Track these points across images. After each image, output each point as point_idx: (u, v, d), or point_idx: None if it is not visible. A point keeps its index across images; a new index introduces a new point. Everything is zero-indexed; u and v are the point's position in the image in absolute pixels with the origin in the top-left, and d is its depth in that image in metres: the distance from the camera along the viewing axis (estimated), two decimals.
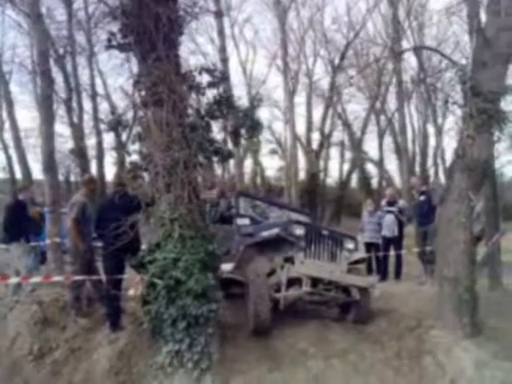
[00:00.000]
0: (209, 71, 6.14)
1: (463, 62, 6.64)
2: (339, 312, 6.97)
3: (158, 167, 5.57)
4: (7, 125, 25.60)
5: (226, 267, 6.79)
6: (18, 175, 26.45)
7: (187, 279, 5.32)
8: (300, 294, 6.28)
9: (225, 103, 6.27)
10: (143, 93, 5.77)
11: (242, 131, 6.33)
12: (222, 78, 6.21)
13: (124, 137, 6.08)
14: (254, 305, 6.05)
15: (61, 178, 31.66)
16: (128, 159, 6.08)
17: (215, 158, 6.44)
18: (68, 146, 26.42)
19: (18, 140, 23.84)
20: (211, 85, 6.17)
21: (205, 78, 6.23)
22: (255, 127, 6.38)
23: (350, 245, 6.94)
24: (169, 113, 5.53)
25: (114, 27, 5.88)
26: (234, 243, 7.25)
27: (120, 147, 6.15)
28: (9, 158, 27.44)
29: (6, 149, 27.28)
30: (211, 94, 6.32)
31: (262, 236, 6.86)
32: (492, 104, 5.44)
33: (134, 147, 6.16)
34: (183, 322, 5.30)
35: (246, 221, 7.58)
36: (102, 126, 23.50)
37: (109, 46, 5.89)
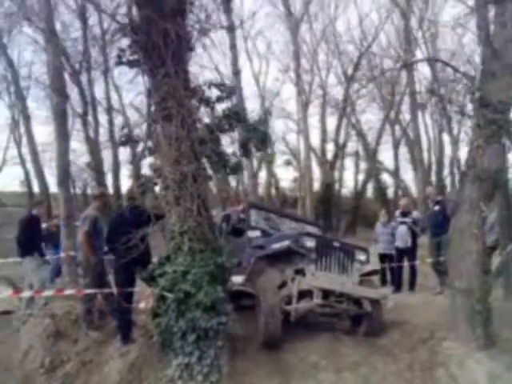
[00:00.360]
0: (217, 86, 6.20)
1: (473, 73, 6.58)
2: (351, 324, 6.91)
3: (167, 181, 5.63)
4: (24, 139, 26.11)
5: (237, 279, 6.79)
6: (36, 189, 26.89)
7: (196, 292, 5.34)
8: (311, 306, 6.25)
9: (234, 117, 6.32)
10: (153, 108, 5.85)
11: (251, 144, 6.35)
12: (230, 93, 6.26)
13: (136, 151, 6.15)
14: (264, 318, 6.04)
15: (78, 191, 32.21)
16: (140, 173, 6.13)
17: (224, 171, 6.46)
18: (85, 159, 26.87)
19: (35, 154, 24.27)
20: (220, 99, 6.23)
21: (214, 93, 6.29)
22: (264, 140, 6.42)
23: (361, 256, 6.90)
24: (178, 127, 5.59)
25: (125, 44, 5.99)
26: (245, 255, 7.25)
27: (132, 161, 6.26)
28: (26, 172, 27.95)
29: (23, 163, 27.80)
30: (220, 108, 6.37)
31: (273, 248, 6.85)
32: (501, 114, 5.41)
33: (145, 161, 6.23)
34: (193, 334, 5.32)
35: (257, 233, 7.59)
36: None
37: (119, 63, 5.99)
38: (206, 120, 6.29)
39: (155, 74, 5.70)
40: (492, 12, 5.89)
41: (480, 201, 5.75)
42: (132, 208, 6.35)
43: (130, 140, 6.24)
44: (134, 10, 5.73)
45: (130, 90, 27.19)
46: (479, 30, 5.88)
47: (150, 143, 6.13)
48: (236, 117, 6.36)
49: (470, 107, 6.36)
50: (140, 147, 6.11)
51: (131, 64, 5.98)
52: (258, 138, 6.31)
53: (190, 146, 5.67)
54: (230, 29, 17.02)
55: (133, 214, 6.28)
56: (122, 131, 6.67)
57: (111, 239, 6.33)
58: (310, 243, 6.52)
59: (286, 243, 6.68)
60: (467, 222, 5.79)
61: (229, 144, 6.48)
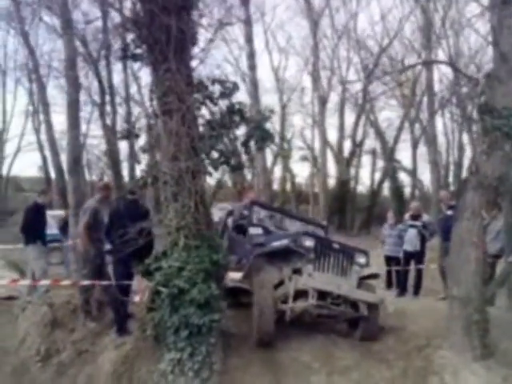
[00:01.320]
0: (220, 82, 6.16)
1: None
2: (347, 327, 6.85)
3: (165, 176, 5.63)
4: (43, 127, 26.47)
5: (236, 276, 6.80)
6: (53, 175, 27.28)
7: (190, 288, 5.36)
8: (306, 306, 6.21)
9: (237, 114, 6.28)
10: (154, 102, 5.85)
11: (252, 142, 6.31)
12: (233, 89, 6.22)
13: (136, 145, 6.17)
14: (258, 315, 6.03)
15: (95, 178, 32.55)
16: (139, 168, 6.15)
17: (227, 168, 6.44)
18: (102, 147, 27.15)
19: (52, 141, 24.57)
20: (223, 95, 6.19)
21: (217, 88, 6.26)
22: (265, 138, 6.36)
23: (361, 259, 6.81)
24: (178, 123, 5.58)
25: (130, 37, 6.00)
26: (245, 252, 7.24)
27: (132, 155, 6.26)
28: (44, 159, 28.37)
29: (41, 149, 28.21)
30: (224, 104, 6.33)
31: (272, 246, 6.83)
32: (506, 121, 5.27)
33: (145, 156, 6.24)
34: (185, 330, 5.34)
35: (259, 230, 7.57)
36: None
37: (123, 56, 6.00)
38: (208, 116, 6.23)
39: (157, 68, 5.69)
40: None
41: (481, 208, 5.64)
42: (130, 202, 6.39)
43: (130, 133, 6.24)
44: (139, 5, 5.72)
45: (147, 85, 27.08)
46: (491, 32, 5.72)
47: (149, 138, 6.11)
48: (240, 114, 6.31)
49: None
50: (140, 142, 6.09)
51: (135, 58, 5.99)
52: (259, 135, 6.26)
53: (189, 142, 5.65)
54: (247, 22, 16.96)
55: (130, 207, 6.31)
56: (124, 125, 6.68)
57: (109, 232, 6.39)
58: (309, 243, 6.46)
59: (284, 242, 6.65)
60: (468, 229, 5.68)
61: (231, 141, 6.40)
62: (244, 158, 6.45)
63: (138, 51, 5.90)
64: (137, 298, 6.61)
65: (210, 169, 6.07)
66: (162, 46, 5.55)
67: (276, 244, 6.81)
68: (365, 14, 40.42)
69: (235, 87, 6.29)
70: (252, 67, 18.17)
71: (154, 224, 6.06)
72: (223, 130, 6.26)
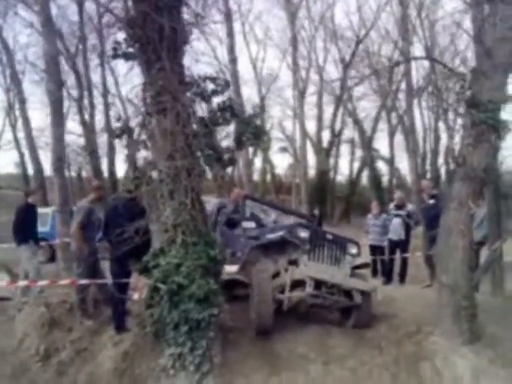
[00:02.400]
0: (212, 79, 6.23)
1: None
2: (340, 316, 7.04)
3: (161, 174, 5.69)
4: (19, 123, 26.02)
5: (231, 269, 6.91)
6: (30, 171, 26.90)
7: (189, 284, 5.43)
8: (304, 295, 6.36)
9: (229, 110, 6.35)
10: (148, 101, 5.88)
11: (245, 138, 6.40)
12: (225, 86, 6.29)
13: (131, 144, 6.15)
14: (257, 305, 6.15)
15: (73, 174, 32.20)
16: (135, 166, 6.18)
17: (219, 165, 6.52)
18: (81, 142, 26.84)
19: (30, 138, 24.20)
20: (215, 92, 6.26)
21: (209, 86, 6.31)
22: (258, 134, 6.46)
23: (353, 250, 7.00)
24: (172, 121, 5.64)
25: (121, 36, 6.00)
26: (240, 245, 7.36)
27: (127, 154, 6.26)
28: (21, 155, 27.92)
29: (18, 145, 27.76)
30: (215, 101, 6.40)
31: (268, 238, 6.96)
32: (492, 114, 5.47)
33: (140, 154, 6.27)
34: (185, 325, 5.42)
35: (252, 224, 7.70)
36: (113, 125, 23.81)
37: (114, 55, 6.01)
38: (201, 114, 6.30)
39: (150, 67, 5.72)
40: (486, 10, 5.93)
41: (468, 198, 5.86)
42: (127, 200, 6.43)
43: (124, 133, 6.26)
44: (130, 4, 5.74)
45: (126, 81, 26.83)
46: (473, 28, 5.91)
47: (144, 136, 6.14)
48: (231, 110, 6.38)
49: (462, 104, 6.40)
50: (134, 140, 6.10)
51: (127, 57, 5.98)
52: (251, 131, 6.35)
53: (184, 140, 5.72)
54: (228, 15, 16.93)
55: (127, 206, 6.36)
56: (116, 123, 6.63)
57: (107, 231, 6.43)
58: (304, 234, 6.61)
59: (280, 234, 6.79)
60: (455, 218, 5.89)
61: (223, 138, 6.49)
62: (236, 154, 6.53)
63: (130, 50, 5.92)
64: (136, 296, 6.67)
65: (205, 166, 6.14)
66: (154, 45, 5.58)
67: (271, 236, 6.94)
68: (341, 5, 40.47)
69: (227, 84, 6.36)
70: (233, 61, 18.19)
71: (150, 222, 6.11)
72: (216, 127, 6.34)
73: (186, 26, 5.87)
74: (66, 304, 6.91)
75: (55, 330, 6.47)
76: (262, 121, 6.73)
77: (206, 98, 6.35)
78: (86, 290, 6.89)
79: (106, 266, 6.89)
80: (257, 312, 6.16)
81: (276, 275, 6.59)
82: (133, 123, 6.39)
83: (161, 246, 5.76)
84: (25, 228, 7.93)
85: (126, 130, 6.11)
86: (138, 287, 6.59)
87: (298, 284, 6.38)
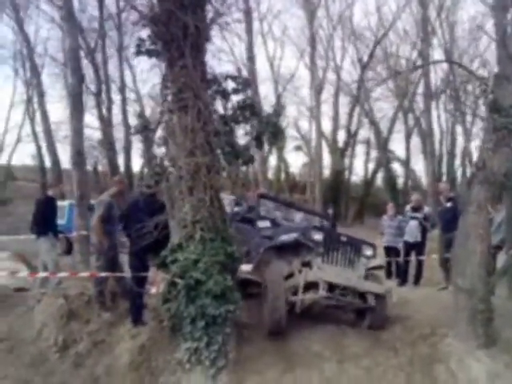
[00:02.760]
0: (233, 78, 6.28)
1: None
2: (355, 317, 7.06)
3: (181, 171, 5.76)
4: (38, 115, 26.31)
5: (246, 268, 6.95)
6: (47, 163, 27.20)
7: (207, 280, 5.50)
8: (317, 297, 6.39)
9: (248, 109, 6.40)
10: (169, 98, 5.95)
11: (264, 137, 6.45)
12: (245, 85, 6.34)
13: (151, 140, 6.23)
14: (270, 307, 6.19)
15: (89, 168, 32.48)
16: (154, 162, 6.26)
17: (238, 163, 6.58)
18: (97, 135, 27.08)
19: (48, 130, 24.47)
20: (235, 91, 6.31)
21: (230, 85, 6.37)
22: (277, 134, 6.51)
23: (368, 251, 7.01)
24: (193, 119, 5.70)
25: (144, 33, 6.08)
26: (254, 245, 7.39)
27: (147, 150, 6.34)
28: (39, 148, 28.22)
29: (36, 138, 28.06)
30: (235, 99, 6.45)
31: (282, 240, 6.98)
32: None
33: (159, 151, 6.35)
34: (202, 321, 5.49)
35: (267, 223, 7.72)
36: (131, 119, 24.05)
37: (138, 52, 6.08)
38: (221, 111, 6.36)
39: (173, 65, 5.79)
40: (510, 14, 5.90)
41: (487, 203, 5.84)
42: (147, 196, 6.52)
43: (145, 128, 6.34)
44: (154, 1, 5.80)
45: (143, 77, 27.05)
46: (496, 32, 5.88)
47: (164, 133, 6.21)
48: (251, 109, 6.43)
49: (483, 108, 6.38)
50: (155, 136, 6.20)
51: (150, 54, 6.05)
52: (271, 131, 6.40)
53: (204, 138, 5.78)
54: (247, 13, 16.96)
55: (147, 202, 6.45)
56: (137, 120, 6.68)
57: (126, 226, 6.53)
58: (318, 236, 6.63)
59: (293, 235, 6.81)
60: (474, 222, 5.88)
61: (242, 136, 6.54)
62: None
63: (153, 47, 5.99)
64: (153, 290, 6.76)
65: (224, 163, 6.20)
66: (178, 42, 5.66)
67: (285, 237, 6.96)
68: (360, 5, 40.31)
69: (247, 83, 6.42)
70: (251, 59, 18.22)
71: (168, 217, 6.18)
72: (235, 125, 6.39)
73: (209, 24, 5.92)
74: (84, 296, 7.01)
75: (73, 322, 6.58)
76: (280, 121, 6.76)
77: (226, 96, 6.41)
78: (105, 282, 7.00)
79: (124, 259, 6.99)
80: (270, 313, 6.20)
81: (289, 276, 6.62)
82: (152, 120, 6.47)
83: (179, 241, 5.82)
84: (44, 220, 8.05)
85: (147, 127, 6.18)
86: (156, 281, 6.67)
87: (311, 286, 6.40)
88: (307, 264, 6.56)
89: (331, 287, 6.39)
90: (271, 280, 6.36)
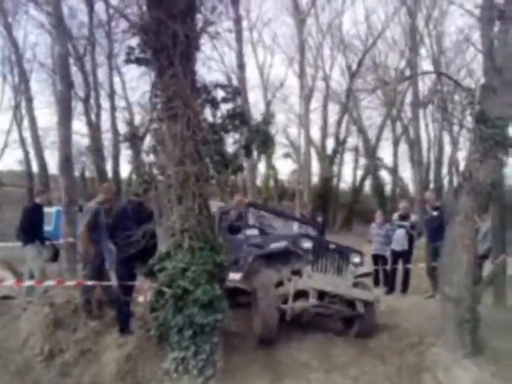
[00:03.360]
0: (223, 87, 6.30)
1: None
2: (342, 326, 7.07)
3: (170, 180, 5.74)
4: (26, 121, 26.11)
5: (234, 277, 6.93)
6: (35, 169, 26.98)
7: (195, 289, 5.46)
8: (307, 305, 6.39)
9: (238, 118, 6.41)
10: (159, 106, 5.94)
11: (254, 146, 6.46)
12: (235, 93, 6.36)
13: (139, 148, 6.22)
14: (262, 313, 6.17)
15: (76, 174, 32.23)
16: (142, 170, 6.24)
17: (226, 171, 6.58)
18: (85, 142, 26.89)
19: (35, 136, 24.30)
20: (225, 100, 6.32)
21: (219, 93, 6.38)
22: (266, 142, 6.52)
23: (356, 259, 7.05)
24: (183, 127, 5.70)
25: (134, 41, 6.08)
26: (243, 253, 7.38)
27: (135, 158, 6.31)
28: (26, 153, 27.97)
29: (23, 144, 27.82)
30: (225, 108, 6.46)
31: (271, 248, 6.99)
32: (499, 130, 5.53)
33: (148, 159, 6.32)
34: (189, 330, 5.45)
35: (255, 231, 7.72)
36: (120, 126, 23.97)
37: (127, 60, 6.07)
38: (210, 120, 6.36)
39: (163, 73, 5.79)
40: (497, 27, 5.99)
41: (474, 213, 5.90)
42: (135, 204, 6.50)
43: (134, 136, 6.33)
44: (144, 10, 5.81)
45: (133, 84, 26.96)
46: (483, 44, 5.97)
47: (153, 141, 6.20)
48: (240, 118, 6.44)
49: (469, 119, 6.47)
50: (144, 145, 6.21)
51: (140, 62, 6.05)
52: (260, 139, 6.41)
53: (194, 146, 5.78)
54: (237, 21, 17.02)
55: (135, 210, 6.42)
56: (126, 127, 6.73)
57: (114, 234, 6.49)
58: (307, 244, 6.65)
59: (283, 244, 6.82)
60: (460, 232, 5.95)
61: (231, 144, 6.55)
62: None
63: (143, 56, 5.98)
64: (141, 299, 6.71)
65: (213, 172, 6.20)
66: (168, 51, 5.66)
67: (274, 246, 6.97)
68: (349, 14, 40.63)
69: (237, 91, 6.44)
70: (241, 67, 18.26)
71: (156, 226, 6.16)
72: (225, 134, 6.40)
73: (199, 32, 5.93)
74: (71, 304, 6.95)
75: (59, 330, 6.51)
76: (269, 130, 6.79)
77: (216, 104, 6.42)
78: (92, 291, 6.93)
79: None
80: (262, 320, 6.19)
81: (279, 285, 6.62)
82: (141, 128, 6.47)
83: (167, 249, 5.79)
84: (31, 228, 7.98)
85: (136, 135, 6.17)
86: (143, 290, 6.63)
87: (300, 294, 6.41)
88: (297, 272, 6.57)
89: (321, 295, 6.40)
90: (263, 288, 6.35)
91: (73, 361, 6.10)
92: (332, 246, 6.91)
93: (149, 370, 5.80)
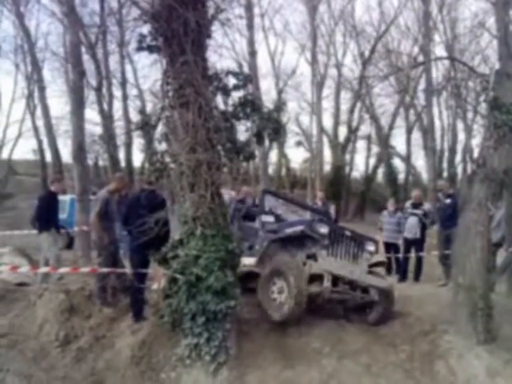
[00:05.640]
0: (234, 74, 6.27)
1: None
2: (355, 312, 7.07)
3: (182, 167, 5.76)
4: (39, 110, 26.27)
5: (249, 261, 6.96)
6: (48, 158, 27.18)
7: (207, 276, 5.52)
8: (322, 289, 6.37)
9: (249, 105, 6.39)
10: (170, 94, 5.94)
11: (265, 133, 6.45)
12: (246, 81, 6.33)
13: (152, 136, 6.22)
14: (294, 294, 6.04)
15: (90, 162, 32.47)
16: (155, 158, 6.25)
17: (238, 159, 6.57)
18: (98, 130, 27.04)
19: (48, 125, 24.44)
20: (236, 87, 6.31)
21: (231, 81, 6.36)
22: (278, 130, 6.51)
23: (370, 247, 7.04)
24: (195, 115, 5.70)
25: (145, 29, 6.07)
26: (258, 239, 7.41)
27: (148, 146, 6.33)
28: (40, 142, 28.20)
29: (37, 133, 28.04)
30: (236, 95, 6.44)
31: (287, 232, 7.00)
32: None
33: (160, 147, 6.34)
34: (202, 317, 5.51)
35: (271, 218, 7.75)
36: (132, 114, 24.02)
37: (139, 48, 6.07)
38: (222, 108, 6.35)
39: (174, 61, 5.78)
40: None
41: (488, 200, 5.85)
42: (148, 192, 6.54)
43: (146, 125, 6.35)
44: None
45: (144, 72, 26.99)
46: (498, 29, 5.87)
47: (165, 129, 6.21)
48: (252, 105, 6.43)
49: (483, 105, 6.38)
50: (156, 133, 6.20)
51: (151, 50, 6.04)
52: (272, 127, 6.40)
53: (206, 134, 5.78)
54: (248, 8, 16.90)
55: (148, 198, 6.46)
56: (138, 115, 6.70)
57: (127, 221, 6.54)
58: (324, 229, 6.64)
59: (299, 228, 6.83)
60: (474, 219, 5.90)
61: (243, 132, 6.54)
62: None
63: (154, 43, 5.98)
64: (155, 286, 6.77)
65: (225, 160, 6.20)
66: (179, 38, 5.64)
67: (290, 230, 6.98)
68: (362, 0, 40.13)
69: (248, 79, 6.41)
70: (252, 54, 18.15)
71: (169, 213, 6.20)
72: (236, 122, 6.39)
73: (210, 20, 5.90)
74: (85, 291, 7.05)
75: (74, 317, 6.61)
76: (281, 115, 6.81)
77: (227, 92, 6.40)
78: (106, 278, 7.02)
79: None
80: (293, 300, 6.06)
81: None
82: (153, 116, 6.48)
83: (180, 237, 5.83)
84: (47, 216, 8.08)
85: (148, 123, 6.18)
86: (157, 277, 6.69)
87: (315, 278, 6.41)
88: (312, 256, 6.58)
89: (335, 281, 6.40)
90: (290, 269, 6.27)
91: (87, 347, 6.19)
92: (347, 233, 6.90)
93: (162, 356, 5.86)
